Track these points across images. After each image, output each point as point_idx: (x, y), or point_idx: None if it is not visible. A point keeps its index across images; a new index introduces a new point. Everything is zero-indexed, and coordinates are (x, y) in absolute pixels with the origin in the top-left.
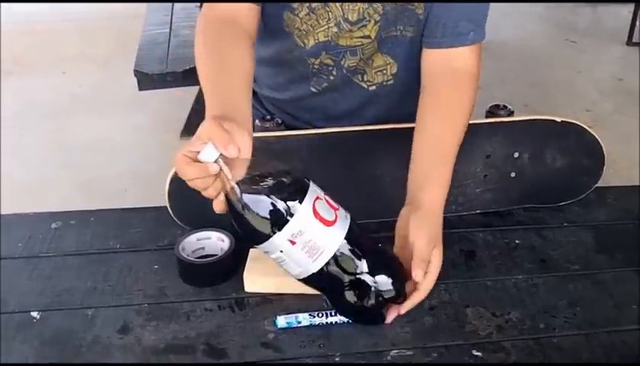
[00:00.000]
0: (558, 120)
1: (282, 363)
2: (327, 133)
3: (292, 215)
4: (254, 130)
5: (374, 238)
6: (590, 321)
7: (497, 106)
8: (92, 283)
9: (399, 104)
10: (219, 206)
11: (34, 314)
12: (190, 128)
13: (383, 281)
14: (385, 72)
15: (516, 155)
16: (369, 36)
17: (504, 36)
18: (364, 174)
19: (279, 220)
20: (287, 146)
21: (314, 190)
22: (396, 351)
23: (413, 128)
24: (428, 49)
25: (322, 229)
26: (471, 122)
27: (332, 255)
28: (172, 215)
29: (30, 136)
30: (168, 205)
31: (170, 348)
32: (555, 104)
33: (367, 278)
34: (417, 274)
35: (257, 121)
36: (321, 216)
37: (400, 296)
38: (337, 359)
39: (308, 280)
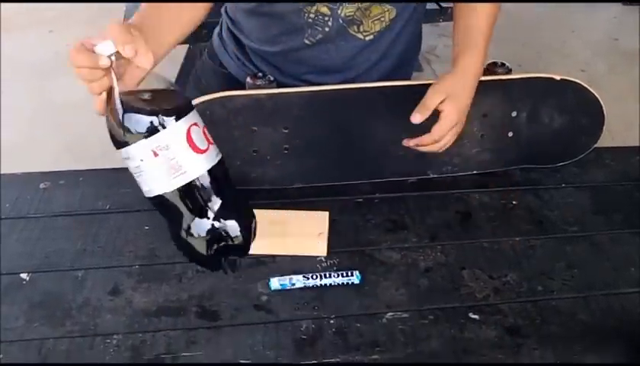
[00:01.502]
0: (557, 78)
1: (275, 325)
2: (319, 90)
3: (164, 127)
4: (245, 88)
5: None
6: (588, 283)
7: (494, 63)
8: (82, 244)
9: (394, 46)
10: (99, 105)
11: (23, 276)
12: (179, 86)
13: (232, 226)
14: (383, 19)
15: (514, 114)
16: None
17: None
18: (357, 133)
19: (149, 128)
20: (279, 103)
21: (195, 116)
22: (391, 313)
23: (407, 86)
24: None
25: (189, 152)
26: None
27: (191, 180)
28: None
29: (16, 96)
30: None
31: (161, 311)
32: (549, 65)
33: (217, 217)
34: (413, 116)
35: (248, 79)
36: (192, 141)
37: (246, 247)
38: (331, 322)
39: (158, 201)
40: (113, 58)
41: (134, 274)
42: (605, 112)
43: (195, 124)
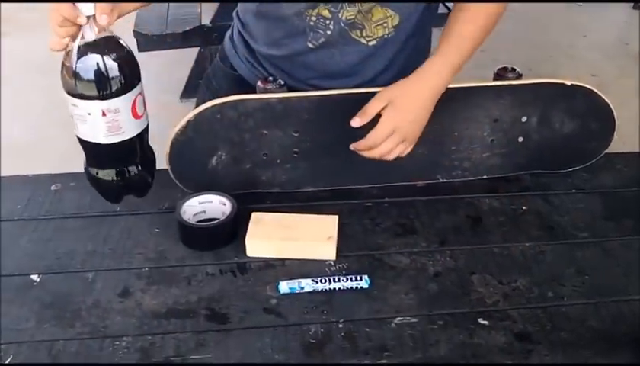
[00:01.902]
0: (568, 83)
1: (284, 329)
2: (329, 94)
3: (118, 96)
4: (256, 91)
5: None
6: (599, 289)
7: (505, 68)
8: (92, 246)
9: (400, 55)
10: (56, 44)
11: (34, 277)
12: (189, 89)
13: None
14: (385, 25)
15: (524, 119)
16: None
17: None
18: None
19: (109, 93)
20: (289, 107)
21: (141, 86)
22: (400, 318)
23: None
24: None
25: (131, 118)
26: (478, 85)
27: (125, 139)
28: (173, 177)
29: (27, 96)
30: (168, 167)
31: (171, 313)
32: (559, 69)
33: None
34: (353, 119)
35: (259, 83)
36: (135, 108)
37: (146, 188)
38: (340, 326)
39: (87, 144)
40: (91, 20)
41: (144, 276)
42: (616, 117)
43: (140, 94)
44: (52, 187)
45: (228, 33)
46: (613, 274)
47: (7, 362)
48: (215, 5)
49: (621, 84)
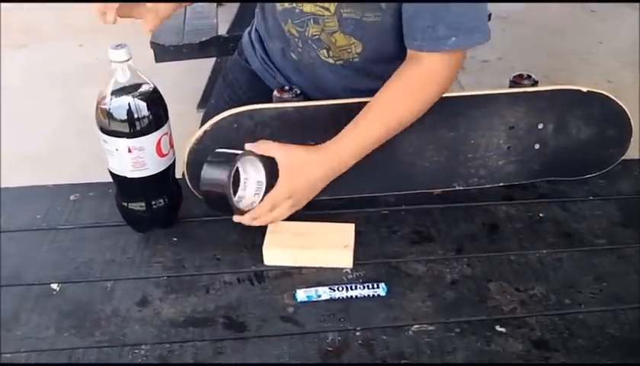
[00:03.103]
0: (584, 89)
1: (301, 337)
2: (345, 103)
3: (144, 134)
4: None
5: None
6: (617, 296)
7: (520, 76)
8: (111, 255)
9: (370, 76)
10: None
11: (54, 286)
12: (206, 99)
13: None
14: (349, 50)
15: (540, 126)
16: (328, 9)
17: (522, 5)
18: (382, 145)
19: (134, 132)
20: (305, 116)
21: (168, 126)
22: (417, 325)
23: (442, 97)
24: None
25: (155, 156)
26: (493, 92)
27: (149, 175)
28: (190, 186)
29: (46, 107)
30: (186, 176)
31: (189, 321)
32: (575, 75)
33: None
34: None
35: (275, 92)
36: (160, 147)
37: (171, 222)
38: (357, 333)
39: (115, 175)
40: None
41: (162, 284)
42: (632, 124)
43: (166, 134)
44: (71, 198)
45: (248, 29)
46: (631, 281)
47: None
48: (231, 16)
49: (637, 90)
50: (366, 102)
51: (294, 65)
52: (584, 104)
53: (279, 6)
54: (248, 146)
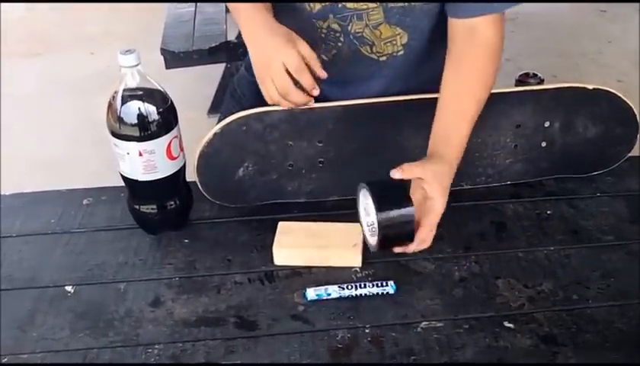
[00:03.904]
0: (590, 87)
1: (312, 335)
2: (353, 104)
3: (154, 138)
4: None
5: None
6: (624, 292)
7: (527, 74)
8: (123, 257)
9: (411, 72)
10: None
11: (68, 288)
12: (216, 105)
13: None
14: (394, 42)
15: (546, 124)
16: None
17: (532, 5)
18: (390, 145)
19: (144, 135)
20: (313, 117)
21: (178, 129)
22: (426, 322)
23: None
24: (452, 18)
25: (165, 159)
26: (500, 91)
27: (159, 178)
28: (201, 189)
29: (59, 114)
30: (196, 179)
31: (201, 321)
32: (584, 75)
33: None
34: (393, 171)
35: None
36: (170, 150)
37: (183, 223)
38: (366, 331)
39: (127, 178)
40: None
41: (174, 285)
42: (639, 120)
43: (176, 137)
44: (85, 202)
45: None
46: (639, 277)
47: None
48: None
49: None
50: (375, 102)
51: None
52: (591, 101)
53: (317, 5)
54: (394, 174)
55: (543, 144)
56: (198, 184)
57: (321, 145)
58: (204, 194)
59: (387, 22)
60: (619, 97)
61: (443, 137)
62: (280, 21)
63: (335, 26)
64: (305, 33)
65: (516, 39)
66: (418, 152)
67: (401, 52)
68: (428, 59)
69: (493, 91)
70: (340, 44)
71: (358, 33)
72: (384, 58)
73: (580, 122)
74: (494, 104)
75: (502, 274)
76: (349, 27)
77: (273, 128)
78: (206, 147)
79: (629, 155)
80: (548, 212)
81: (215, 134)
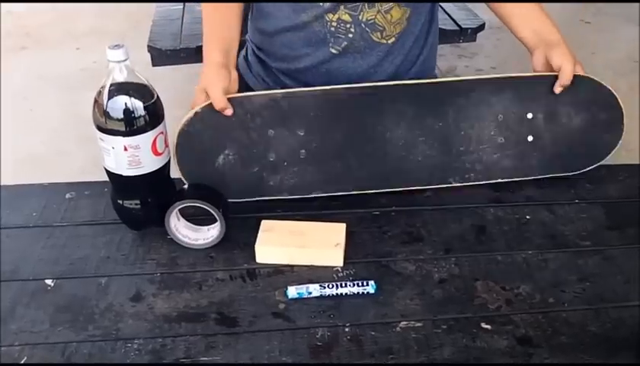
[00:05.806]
0: None
1: (292, 332)
2: (334, 89)
3: (139, 133)
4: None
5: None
6: (600, 296)
7: None
8: (105, 252)
9: (415, 45)
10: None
11: (49, 282)
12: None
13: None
14: (401, 22)
15: (529, 116)
16: None
17: None
18: (375, 136)
19: (130, 130)
20: (294, 103)
21: (164, 125)
22: (405, 322)
23: (424, 84)
24: None
25: (151, 154)
26: (477, 77)
27: (144, 173)
28: (180, 173)
29: (43, 109)
30: (175, 160)
31: (182, 317)
32: None
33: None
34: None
35: None
36: (156, 146)
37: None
38: (346, 329)
39: (111, 173)
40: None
41: (156, 281)
42: (621, 104)
43: (162, 133)
44: (67, 196)
45: (242, 52)
46: (614, 281)
47: (22, 362)
48: None
49: (631, 100)
50: (357, 88)
51: (327, 65)
52: (570, 89)
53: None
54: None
55: (530, 138)
56: (177, 165)
57: (302, 134)
58: (183, 179)
59: (398, 5)
60: (599, 82)
61: (540, 32)
62: (289, 22)
63: (346, 17)
64: (313, 29)
65: (502, 47)
66: (401, 143)
67: (406, 27)
68: (427, 30)
69: (471, 77)
70: (350, 35)
71: (370, 20)
72: (392, 39)
73: (564, 111)
74: (473, 92)
75: (481, 277)
76: (359, 16)
77: (255, 115)
78: (186, 125)
79: (609, 163)
80: (528, 217)
81: (196, 113)
